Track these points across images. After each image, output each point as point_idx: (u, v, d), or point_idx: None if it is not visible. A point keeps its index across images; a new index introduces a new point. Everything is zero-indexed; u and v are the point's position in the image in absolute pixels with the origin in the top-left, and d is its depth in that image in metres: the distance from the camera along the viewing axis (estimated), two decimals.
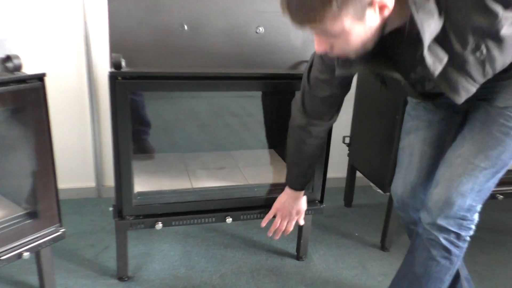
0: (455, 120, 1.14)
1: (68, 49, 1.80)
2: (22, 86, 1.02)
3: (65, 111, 1.88)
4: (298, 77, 1.20)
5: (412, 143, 1.18)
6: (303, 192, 1.35)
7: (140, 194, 1.35)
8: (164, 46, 1.28)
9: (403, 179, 1.20)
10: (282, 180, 1.39)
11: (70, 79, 1.85)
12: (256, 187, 1.45)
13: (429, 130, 1.15)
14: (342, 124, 2.07)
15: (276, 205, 1.36)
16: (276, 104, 1.69)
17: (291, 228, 1.39)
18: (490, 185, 1.02)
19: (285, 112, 1.28)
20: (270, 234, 1.40)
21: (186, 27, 1.30)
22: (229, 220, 1.35)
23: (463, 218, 1.02)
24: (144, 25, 1.26)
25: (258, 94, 1.69)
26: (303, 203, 1.38)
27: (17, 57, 1.08)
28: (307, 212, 1.43)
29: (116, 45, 1.24)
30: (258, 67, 1.36)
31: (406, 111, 1.22)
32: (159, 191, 1.37)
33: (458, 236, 1.03)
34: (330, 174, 2.20)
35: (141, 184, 1.42)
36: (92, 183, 2.04)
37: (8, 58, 1.08)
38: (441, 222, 1.02)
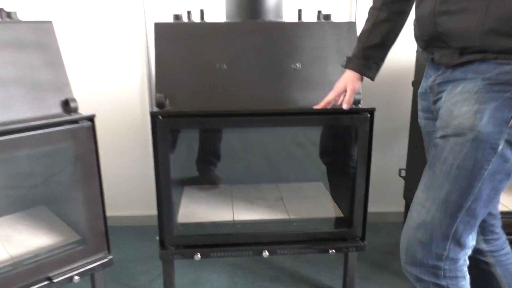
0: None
1: (134, 86, 1.99)
2: (75, 126, 1.16)
3: (130, 142, 2.05)
4: (341, 112, 1.22)
5: None
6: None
7: (182, 225, 1.41)
8: (205, 85, 1.37)
9: None
10: (325, 215, 1.38)
11: (135, 114, 2.02)
12: (296, 221, 1.45)
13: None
14: (398, 156, 1.99)
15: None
16: (324, 137, 1.69)
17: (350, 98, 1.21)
18: (460, 229, 0.90)
19: (332, 144, 1.27)
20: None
21: (225, 66, 1.37)
22: (265, 254, 1.35)
23: (436, 267, 0.92)
24: (187, 66, 1.36)
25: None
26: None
27: (74, 100, 1.23)
28: (347, 249, 1.38)
29: (161, 85, 1.35)
30: (295, 102, 1.38)
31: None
32: (200, 223, 1.43)
33: (438, 285, 0.93)
34: (386, 208, 2.14)
35: (186, 215, 1.49)
36: (153, 211, 2.17)
37: (66, 102, 1.23)
38: (412, 270, 0.94)
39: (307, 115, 1.29)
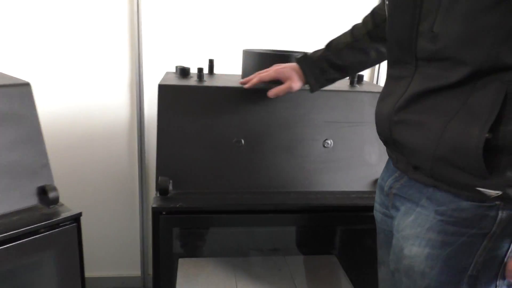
0: None
1: (122, 135, 1.72)
2: (54, 231, 0.89)
3: (115, 197, 1.79)
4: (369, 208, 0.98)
5: None
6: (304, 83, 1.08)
7: None
8: (218, 164, 1.12)
9: None
10: None
11: (122, 167, 1.75)
12: None
13: None
14: None
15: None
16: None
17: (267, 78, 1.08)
18: None
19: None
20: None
21: (243, 142, 1.13)
22: None
23: None
24: (198, 142, 1.12)
25: None
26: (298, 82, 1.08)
27: (53, 189, 0.97)
28: None
29: (164, 163, 1.10)
30: (325, 186, 1.15)
31: None
32: None
33: None
34: None
35: None
36: (137, 272, 1.91)
37: (44, 190, 0.96)
38: None
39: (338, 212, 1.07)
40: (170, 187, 1.07)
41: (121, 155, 1.74)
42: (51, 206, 0.96)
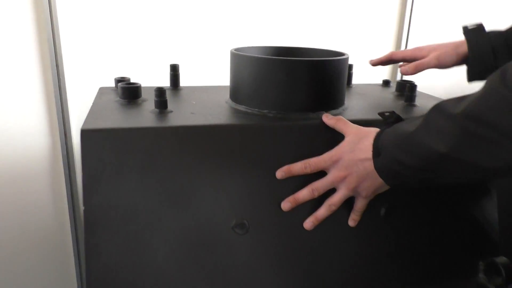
0: None
1: (41, 175, 1.15)
2: None
3: (45, 258, 1.23)
4: None
5: None
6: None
7: None
8: (200, 275, 0.61)
9: None
10: None
11: (45, 227, 1.19)
12: None
13: None
14: None
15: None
16: None
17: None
18: None
19: None
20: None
21: (247, 225, 0.62)
22: None
23: None
24: (159, 233, 0.60)
25: None
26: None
27: None
28: None
29: (95, 279, 0.57)
30: None
31: None
32: None
33: None
34: None
35: None
36: None
37: None
38: None
39: None
40: None
41: (43, 205, 1.18)
42: None
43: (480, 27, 0.77)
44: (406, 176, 0.55)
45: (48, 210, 1.19)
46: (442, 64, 0.79)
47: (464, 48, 0.77)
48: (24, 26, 1.04)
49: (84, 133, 0.58)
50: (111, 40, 1.10)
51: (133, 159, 0.59)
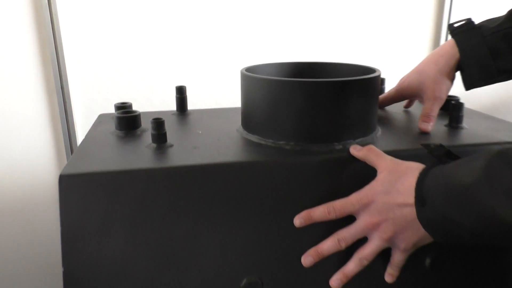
0: None
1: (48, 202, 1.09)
2: None
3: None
4: None
5: None
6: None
7: None
8: None
9: None
10: None
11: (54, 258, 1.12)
12: None
13: None
14: None
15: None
16: None
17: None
18: None
19: None
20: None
21: (262, 285, 0.51)
22: None
23: None
24: None
25: None
26: None
27: None
28: None
29: None
30: None
31: None
32: None
33: None
34: None
35: None
36: None
37: None
38: None
39: None
40: None
41: (51, 236, 1.11)
42: None
43: (469, 23, 0.65)
44: (460, 237, 0.42)
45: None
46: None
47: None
48: (27, 44, 0.98)
49: (64, 179, 0.49)
50: (117, 60, 1.03)
51: (122, 208, 0.50)
